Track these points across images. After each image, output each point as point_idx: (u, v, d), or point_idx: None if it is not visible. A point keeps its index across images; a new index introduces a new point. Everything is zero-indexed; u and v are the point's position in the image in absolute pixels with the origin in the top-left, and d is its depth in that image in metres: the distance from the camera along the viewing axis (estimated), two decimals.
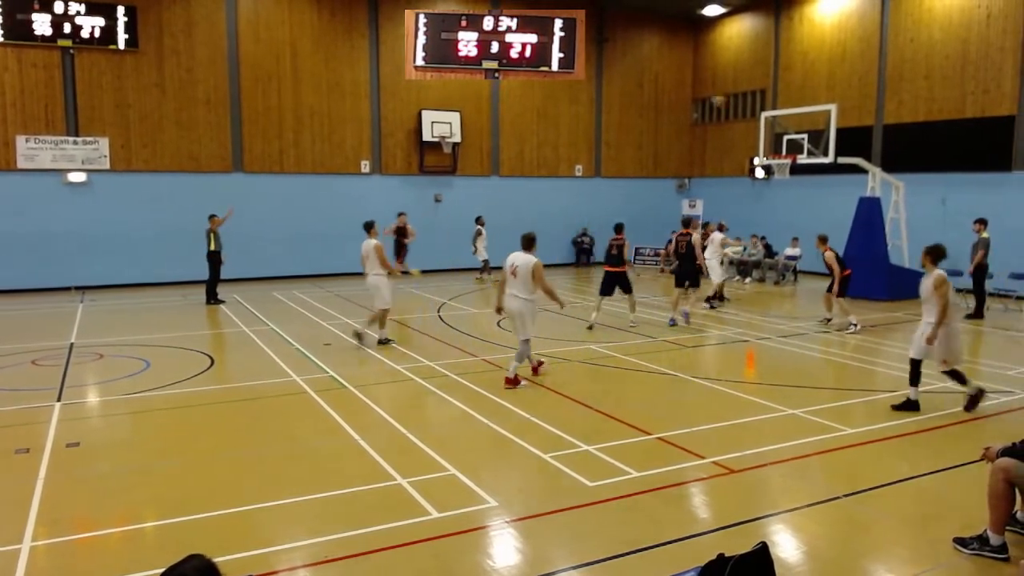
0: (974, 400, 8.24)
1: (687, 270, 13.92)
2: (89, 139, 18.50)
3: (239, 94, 19.99)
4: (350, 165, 21.54)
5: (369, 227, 12.02)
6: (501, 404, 8.49)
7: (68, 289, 18.22)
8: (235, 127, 20.05)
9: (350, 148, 21.50)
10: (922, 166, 18.82)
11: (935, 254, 8.26)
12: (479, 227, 20.72)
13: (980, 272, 14.48)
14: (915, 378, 8.24)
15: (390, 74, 21.65)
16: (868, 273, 15.89)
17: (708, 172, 26.10)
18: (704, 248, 15.11)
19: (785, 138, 18.27)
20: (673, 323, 13.53)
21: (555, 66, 22.60)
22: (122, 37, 18.49)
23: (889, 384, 9.52)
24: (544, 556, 5.07)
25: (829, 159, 16.95)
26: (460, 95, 22.60)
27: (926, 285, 8.14)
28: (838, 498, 5.92)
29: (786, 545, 5.21)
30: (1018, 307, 15.67)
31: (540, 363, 9.90)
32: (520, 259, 9.13)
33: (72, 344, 11.98)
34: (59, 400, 8.75)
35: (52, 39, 17.89)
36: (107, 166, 18.71)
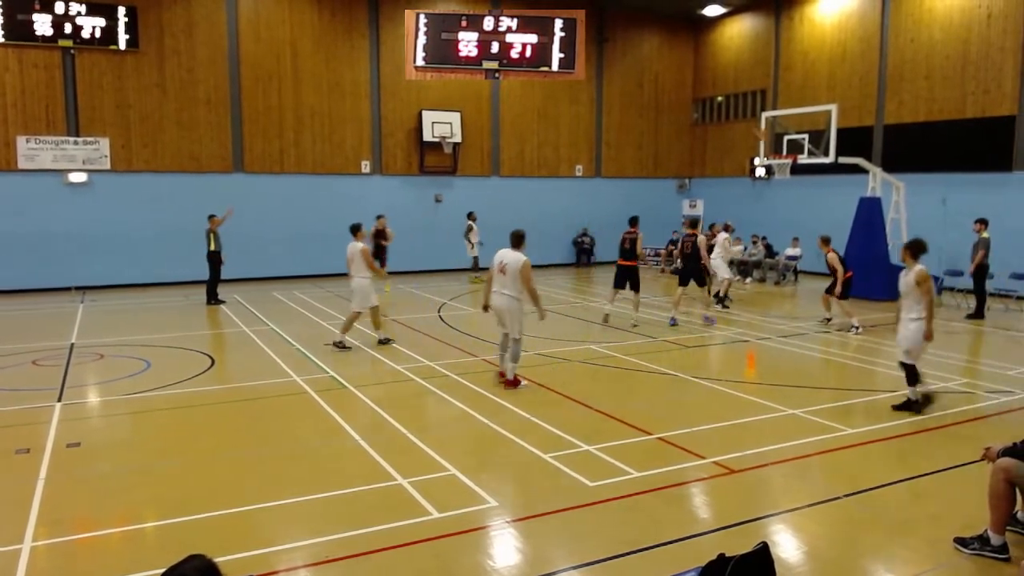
0: (911, 404, 8.12)
1: (691, 270, 14.04)
2: (90, 139, 18.51)
3: (239, 94, 20.00)
4: (350, 165, 21.54)
5: (356, 230, 11.84)
6: (501, 404, 8.49)
7: (69, 289, 18.22)
8: (235, 127, 20.05)
9: (350, 148, 21.51)
10: (922, 166, 18.81)
11: (915, 249, 8.25)
12: (470, 223, 20.68)
13: (981, 272, 14.48)
14: (912, 378, 8.23)
15: (390, 74, 21.66)
16: (868, 273, 15.89)
17: (708, 172, 26.10)
18: (710, 249, 15.17)
19: (785, 138, 18.27)
20: (674, 323, 13.55)
21: (555, 66, 22.60)
22: (123, 37, 18.49)
23: (889, 384, 9.51)
24: (544, 556, 5.07)
25: (830, 159, 16.94)
26: (460, 95, 22.60)
27: (907, 280, 8.15)
28: (838, 498, 5.92)
29: (787, 545, 5.21)
30: (1018, 307, 15.67)
31: (504, 375, 9.31)
32: (509, 256, 8.96)
33: (73, 344, 11.98)
34: (60, 400, 8.75)
35: (53, 39, 17.89)
36: (108, 166, 18.71)
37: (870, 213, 17.06)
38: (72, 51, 18.17)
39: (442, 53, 21.62)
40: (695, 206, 25.50)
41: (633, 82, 25.48)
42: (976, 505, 5.26)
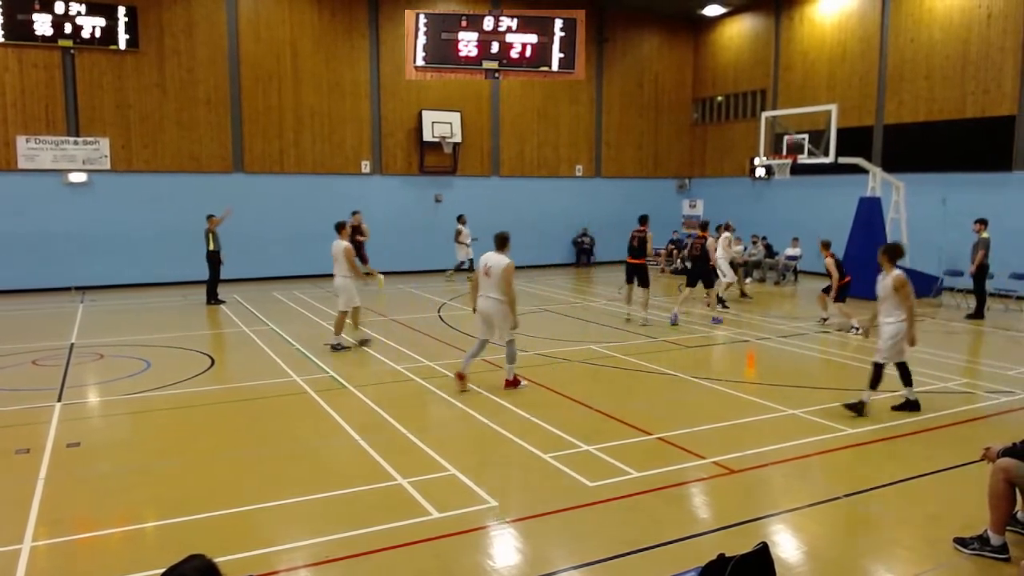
0: (856, 406, 8.07)
1: (699, 272, 14.27)
2: (90, 139, 18.50)
3: (239, 94, 20.00)
4: (350, 165, 21.54)
5: (340, 227, 11.78)
6: (501, 404, 8.49)
7: (68, 289, 18.22)
8: (235, 127, 20.05)
9: (350, 148, 21.51)
10: (922, 166, 18.81)
11: (891, 253, 8.25)
12: (460, 226, 20.65)
13: (981, 272, 14.48)
14: (906, 378, 8.22)
15: (390, 74, 21.66)
16: (868, 273, 15.70)
17: (708, 172, 26.10)
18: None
19: (785, 138, 18.27)
20: (674, 321, 13.58)
21: (555, 66, 22.60)
22: (123, 37, 18.49)
23: (889, 384, 9.48)
24: (544, 556, 5.07)
25: (829, 159, 16.95)
26: (460, 95, 22.60)
27: (884, 285, 8.13)
28: (838, 498, 5.92)
29: (787, 545, 5.21)
30: (1018, 307, 15.67)
31: (462, 377, 9.02)
32: (493, 259, 8.89)
33: (72, 344, 11.98)
34: (59, 400, 8.75)
35: (53, 39, 17.89)
36: (108, 166, 18.71)
37: (870, 213, 17.06)
38: (72, 51, 18.17)
39: (442, 53, 21.62)
40: (695, 206, 25.51)
41: (633, 82, 25.48)
42: (976, 505, 5.26)
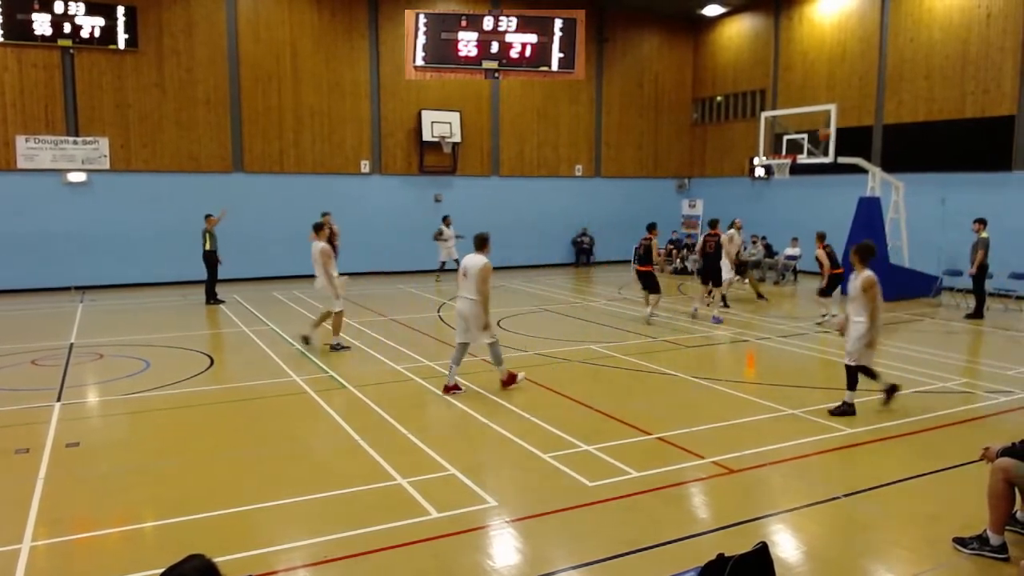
0: (843, 410, 8.04)
1: (712, 269, 14.58)
2: (89, 139, 18.50)
3: (239, 94, 20.00)
4: (350, 165, 21.54)
5: (317, 228, 11.58)
6: (501, 404, 8.49)
7: (68, 289, 18.22)
8: (235, 127, 20.05)
9: (350, 148, 21.51)
10: (922, 166, 18.81)
11: (863, 253, 8.13)
12: (441, 226, 20.56)
13: (980, 272, 14.47)
14: (853, 383, 8.14)
15: (390, 74, 21.65)
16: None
17: (708, 172, 26.10)
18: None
19: (785, 138, 18.27)
20: (695, 312, 14.24)
21: (555, 66, 22.59)
22: (122, 37, 18.48)
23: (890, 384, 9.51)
24: (544, 556, 5.07)
25: (829, 159, 16.95)
26: (460, 95, 22.60)
27: (855, 285, 8.07)
28: (838, 498, 5.92)
29: (786, 545, 5.21)
30: (1018, 307, 15.67)
31: (456, 387, 8.95)
32: (471, 260, 8.74)
33: (72, 344, 11.98)
34: (59, 400, 8.75)
35: (52, 39, 17.88)
36: (107, 166, 18.71)
37: (869, 213, 17.05)
38: (71, 51, 18.16)
39: (442, 53, 21.61)
40: (694, 206, 25.50)
41: (633, 82, 25.48)
42: (975, 505, 5.26)
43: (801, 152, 17.59)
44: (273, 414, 8.39)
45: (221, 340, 12.99)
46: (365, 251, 21.40)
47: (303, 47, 20.63)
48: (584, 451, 6.92)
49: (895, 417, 8.06)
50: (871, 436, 7.44)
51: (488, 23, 21.94)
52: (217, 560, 2.71)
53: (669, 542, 5.18)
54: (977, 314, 14.54)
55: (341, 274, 11.85)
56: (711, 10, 24.47)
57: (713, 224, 15.08)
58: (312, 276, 11.62)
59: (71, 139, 18.32)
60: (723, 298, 15.73)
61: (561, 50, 22.49)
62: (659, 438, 7.36)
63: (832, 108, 17.10)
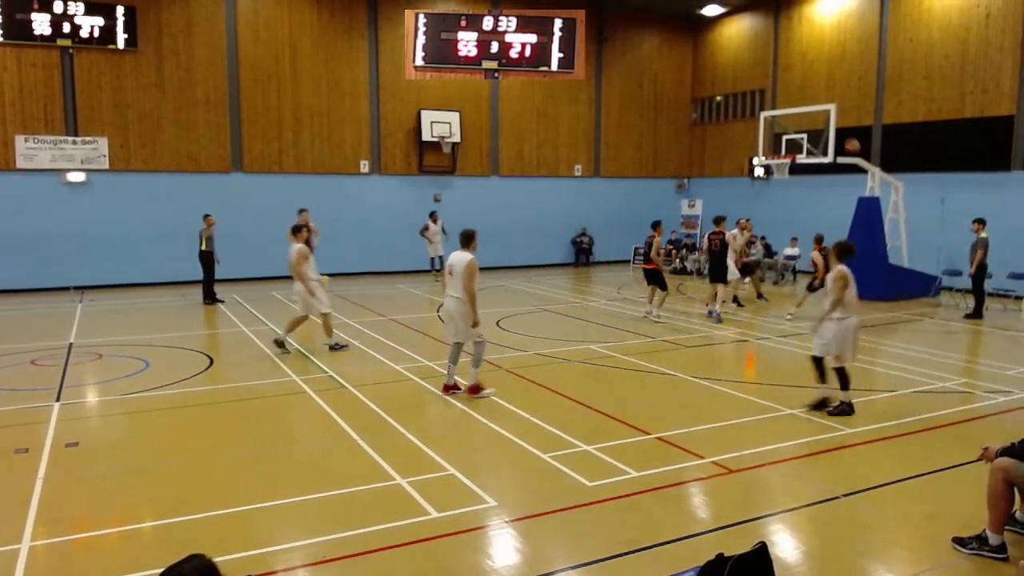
0: (842, 409, 8.00)
1: (717, 267, 14.66)
2: (88, 139, 18.49)
3: (238, 94, 19.99)
4: (349, 165, 21.54)
5: (295, 231, 11.48)
6: (500, 404, 8.49)
7: (67, 289, 18.21)
8: (234, 127, 20.04)
9: (349, 148, 21.50)
10: (921, 166, 18.82)
11: (839, 251, 8.24)
12: (428, 222, 20.53)
13: (979, 272, 14.48)
14: (821, 376, 8.16)
15: (389, 74, 21.65)
16: (867, 273, 15.83)
17: (707, 172, 26.10)
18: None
19: (784, 138, 18.27)
20: (711, 314, 14.19)
21: (555, 66, 22.59)
22: (121, 37, 18.47)
23: (889, 384, 9.53)
24: (543, 556, 5.07)
25: (828, 159, 16.95)
26: (460, 95, 22.59)
27: (828, 278, 8.19)
28: (837, 498, 5.92)
29: (785, 545, 5.21)
30: (1017, 307, 15.68)
31: (455, 387, 8.90)
32: (456, 258, 8.53)
33: (71, 344, 11.97)
34: (58, 400, 8.74)
35: (51, 39, 17.87)
36: (106, 166, 18.70)
37: (869, 213, 17.06)
38: (70, 50, 18.15)
39: (441, 53, 21.61)
40: (694, 206, 25.50)
41: (632, 82, 25.48)
42: (975, 505, 5.26)
43: (800, 152, 17.59)
44: (272, 414, 8.39)
45: (220, 340, 12.98)
46: (365, 251, 21.42)
47: (302, 47, 20.63)
48: (583, 451, 6.92)
49: (894, 417, 8.06)
50: (870, 436, 7.44)
51: (488, 23, 21.93)
52: (216, 560, 2.72)
53: (668, 542, 5.18)
54: (976, 314, 14.55)
55: (322, 274, 11.77)
56: (710, 10, 24.48)
57: (718, 222, 15.09)
58: (290, 278, 11.49)
59: (70, 139, 18.32)
60: (735, 298, 15.77)
61: (561, 50, 22.49)
62: (658, 438, 7.36)
63: (831, 108, 17.10)
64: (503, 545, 5.21)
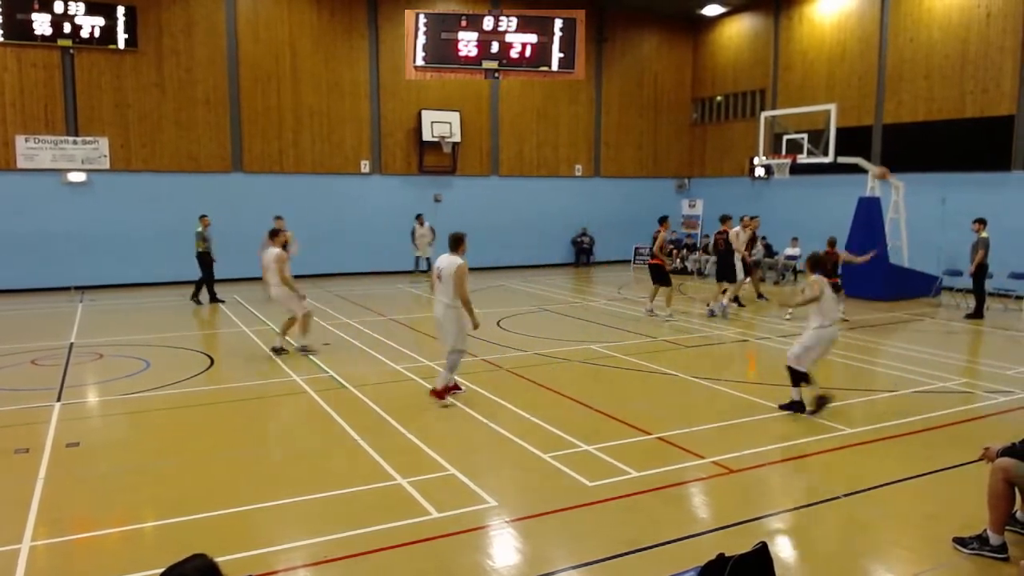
0: (820, 404, 7.97)
1: (727, 266, 14.77)
2: (88, 139, 18.49)
3: (238, 94, 19.99)
4: (350, 165, 21.54)
5: (274, 235, 11.37)
6: (501, 404, 8.49)
7: (68, 289, 18.21)
8: (234, 127, 20.04)
9: (350, 148, 21.50)
10: (922, 166, 18.81)
11: (810, 263, 8.36)
12: (415, 224, 20.47)
13: (980, 272, 14.48)
14: (805, 379, 8.10)
15: (390, 74, 21.65)
16: (867, 273, 15.89)
17: (708, 172, 26.10)
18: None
19: (785, 138, 18.26)
20: (712, 313, 14.28)
21: (555, 66, 22.59)
22: (122, 37, 18.47)
23: (889, 384, 9.53)
24: (543, 556, 5.07)
25: (829, 159, 16.94)
26: (460, 95, 22.59)
27: (806, 287, 8.25)
28: (838, 498, 5.92)
29: (785, 545, 5.21)
30: (1018, 307, 15.68)
31: (457, 387, 8.82)
32: (444, 261, 8.25)
33: (72, 344, 11.97)
34: (59, 400, 8.74)
35: (52, 39, 17.88)
36: (107, 166, 18.70)
37: (869, 213, 17.06)
38: (71, 50, 18.16)
39: (442, 53, 21.61)
40: (694, 206, 25.49)
41: (632, 82, 25.48)
42: (975, 505, 5.26)
43: (801, 152, 17.59)
44: (273, 414, 8.39)
45: (221, 340, 12.99)
46: (365, 251, 21.42)
47: (302, 47, 20.63)
48: (584, 451, 6.92)
49: (895, 417, 8.06)
50: (871, 436, 7.44)
51: (488, 23, 21.93)
52: (217, 560, 2.72)
53: (669, 542, 5.18)
54: (977, 314, 14.55)
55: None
56: (711, 10, 24.47)
57: (723, 220, 15.18)
58: (258, 279, 11.37)
59: (71, 139, 18.32)
60: (736, 298, 15.76)
61: (561, 50, 22.49)
62: (659, 438, 7.36)
63: (832, 108, 17.11)
64: (503, 545, 5.21)
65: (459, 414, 8.23)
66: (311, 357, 10.87)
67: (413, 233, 20.64)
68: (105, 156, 18.66)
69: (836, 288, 13.88)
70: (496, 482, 6.26)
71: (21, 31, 17.63)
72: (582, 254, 24.82)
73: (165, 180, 19.32)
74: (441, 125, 22.01)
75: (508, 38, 22.09)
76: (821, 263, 8.34)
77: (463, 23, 21.72)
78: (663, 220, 14.43)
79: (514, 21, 22.11)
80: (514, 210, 23.47)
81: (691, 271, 22.68)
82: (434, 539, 5.19)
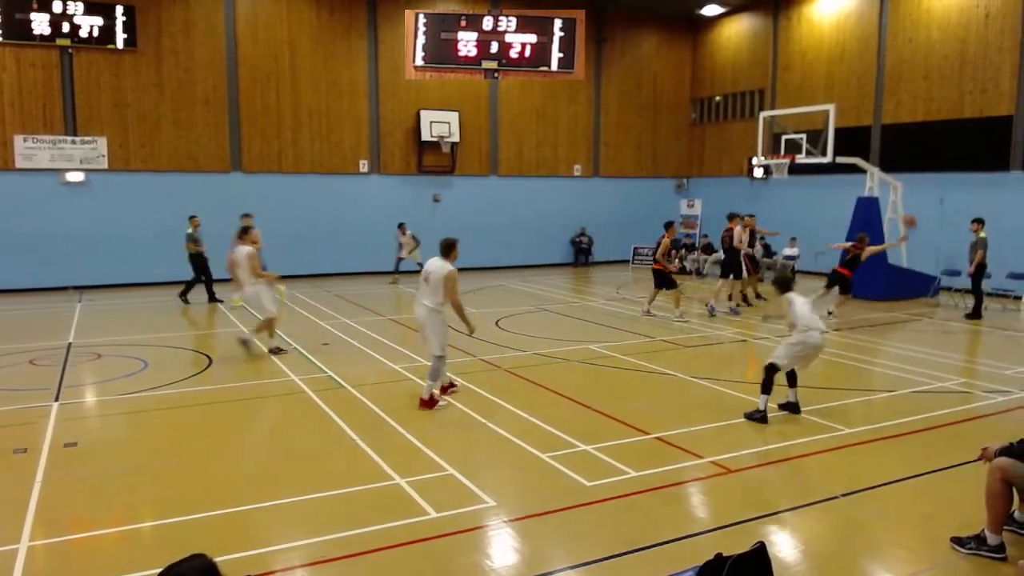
0: (755, 415, 7.89)
1: (732, 263, 14.95)
2: (87, 139, 18.48)
3: (237, 94, 19.98)
4: (348, 165, 21.53)
5: (244, 233, 11.34)
6: (499, 404, 8.49)
7: (66, 289, 18.19)
8: (233, 127, 20.03)
9: (348, 148, 21.50)
10: (920, 166, 18.83)
11: (776, 283, 8.36)
12: (397, 233, 20.11)
13: (978, 272, 14.49)
14: (790, 381, 8.09)
15: (389, 74, 21.65)
16: (867, 273, 15.85)
17: (707, 172, 26.11)
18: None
19: (784, 138, 18.27)
20: (712, 313, 14.42)
21: (554, 66, 22.58)
22: (120, 37, 18.46)
23: (888, 384, 9.54)
24: (542, 556, 5.07)
25: (827, 159, 16.96)
26: (459, 95, 22.59)
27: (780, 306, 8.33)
28: (836, 498, 5.92)
29: (784, 545, 5.21)
30: (1016, 307, 15.69)
31: (452, 385, 8.88)
32: (434, 265, 8.20)
33: (70, 344, 11.96)
34: (57, 400, 8.73)
35: (50, 38, 17.86)
36: (105, 166, 18.69)
37: (868, 213, 17.07)
38: (70, 50, 18.14)
39: (441, 53, 21.59)
40: (693, 206, 25.50)
41: (632, 82, 25.48)
42: (973, 505, 5.26)
43: (799, 152, 17.59)
44: (272, 414, 8.39)
45: (220, 340, 12.97)
46: (364, 251, 21.41)
47: (301, 47, 20.62)
48: (582, 451, 6.92)
49: (894, 417, 8.06)
50: (869, 436, 7.45)
51: (488, 23, 21.92)
52: (215, 560, 2.71)
53: (667, 542, 5.18)
54: (975, 314, 14.56)
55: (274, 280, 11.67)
56: (710, 10, 24.48)
57: (731, 218, 15.38)
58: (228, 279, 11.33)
59: (69, 139, 18.31)
60: (744, 296, 15.85)
61: (560, 50, 22.48)
62: (657, 438, 7.36)
63: (831, 108, 17.11)
64: (502, 545, 5.21)
65: (457, 414, 8.23)
66: (312, 359, 10.87)
67: (398, 241, 20.37)
68: (104, 156, 18.64)
69: (846, 286, 13.90)
70: (494, 482, 6.26)
71: (20, 31, 17.61)
72: (581, 254, 24.83)
73: (164, 180, 19.31)
74: (440, 125, 22.01)
75: (507, 38, 22.08)
76: (785, 283, 8.28)
77: (463, 23, 21.71)
78: (668, 225, 14.37)
79: (513, 21, 22.10)
80: (513, 210, 23.47)
81: (689, 271, 22.68)
82: (432, 539, 5.19)
